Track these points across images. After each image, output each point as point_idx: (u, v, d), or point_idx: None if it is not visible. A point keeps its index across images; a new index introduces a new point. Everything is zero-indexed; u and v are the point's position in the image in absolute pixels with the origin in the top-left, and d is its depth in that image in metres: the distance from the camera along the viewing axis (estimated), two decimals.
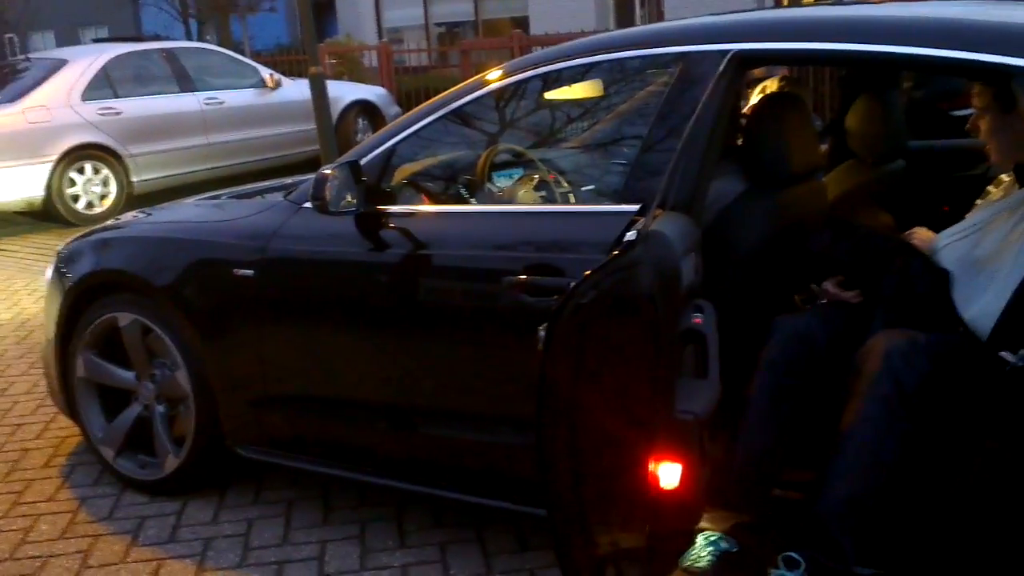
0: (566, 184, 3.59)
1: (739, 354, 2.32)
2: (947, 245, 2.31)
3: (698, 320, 2.04)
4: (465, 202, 3.18)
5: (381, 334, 2.82)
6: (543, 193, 3.34)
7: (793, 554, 2.09)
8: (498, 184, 3.37)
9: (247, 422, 3.09)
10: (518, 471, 2.51)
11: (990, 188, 2.49)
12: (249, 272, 2.93)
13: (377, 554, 2.90)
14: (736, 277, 2.46)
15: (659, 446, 1.85)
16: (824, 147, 3.46)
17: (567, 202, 3.43)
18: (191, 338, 3.06)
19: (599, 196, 3.50)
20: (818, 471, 2.15)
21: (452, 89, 3.01)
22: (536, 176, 3.35)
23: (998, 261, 2.19)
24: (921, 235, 2.41)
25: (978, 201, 2.50)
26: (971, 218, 2.38)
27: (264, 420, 3.08)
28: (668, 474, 1.87)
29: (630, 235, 1.89)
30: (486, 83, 2.90)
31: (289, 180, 3.74)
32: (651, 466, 1.87)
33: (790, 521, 2.17)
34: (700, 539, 2.15)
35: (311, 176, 2.85)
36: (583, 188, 3.62)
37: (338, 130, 9.36)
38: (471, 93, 2.91)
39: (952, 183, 3.23)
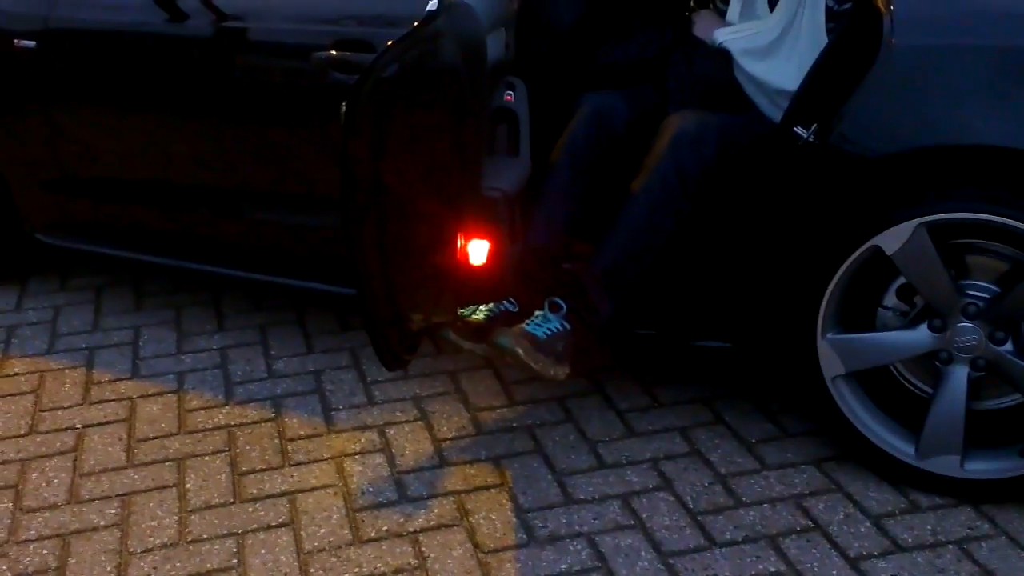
0: None
1: (553, 131, 2.33)
2: (725, 41, 2.34)
3: (509, 98, 2.02)
4: None
5: (182, 113, 2.67)
6: None
7: (558, 299, 2.17)
8: None
9: (45, 206, 2.92)
10: (336, 252, 2.49)
11: None
12: (31, 43, 2.68)
13: (194, 338, 2.87)
14: (550, 54, 2.44)
15: (467, 223, 1.86)
16: None
17: None
18: None
19: None
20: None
21: None
22: None
23: (784, 46, 2.25)
24: (704, 20, 2.42)
25: None
26: (734, 12, 2.40)
27: (66, 205, 2.92)
28: (476, 251, 1.90)
29: (432, 5, 1.81)
30: None
31: None
32: (459, 243, 1.88)
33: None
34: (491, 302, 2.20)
35: None
36: None
37: None
38: None
39: None
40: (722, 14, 2.46)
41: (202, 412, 2.53)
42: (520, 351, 2.10)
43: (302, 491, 2.23)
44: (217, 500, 2.21)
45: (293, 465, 2.32)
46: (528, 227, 2.24)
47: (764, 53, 2.32)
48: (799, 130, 2.10)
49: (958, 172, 1.95)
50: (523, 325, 2.17)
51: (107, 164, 2.81)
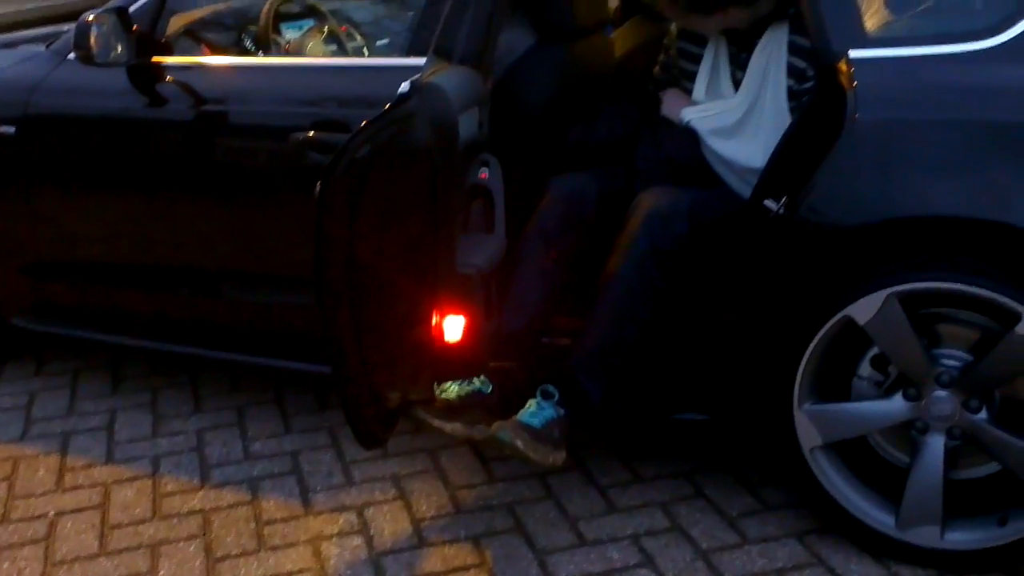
0: (360, 38, 3.48)
1: (527, 208, 2.36)
2: (692, 120, 2.39)
3: (484, 175, 2.05)
4: (250, 54, 3.03)
5: (161, 195, 2.69)
6: (333, 47, 3.22)
7: (549, 387, 2.18)
8: (286, 36, 3.22)
9: (21, 291, 2.91)
10: (314, 330, 2.49)
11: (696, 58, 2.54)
12: (10, 129, 2.70)
13: (171, 420, 2.85)
14: (523, 132, 2.48)
15: (442, 299, 1.87)
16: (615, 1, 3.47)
17: (360, 56, 3.33)
18: None
19: (393, 50, 3.41)
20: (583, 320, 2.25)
21: None
22: (325, 28, 3.22)
23: (749, 125, 2.30)
24: (671, 101, 2.47)
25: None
26: (699, 92, 2.46)
27: (42, 289, 2.91)
28: (452, 327, 1.91)
29: (404, 87, 1.85)
30: None
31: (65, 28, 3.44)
32: (434, 319, 1.89)
33: (553, 364, 2.26)
34: (467, 381, 2.21)
35: None
36: (378, 42, 3.51)
37: None
38: None
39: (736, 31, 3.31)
40: (688, 92, 2.51)
41: (177, 496, 2.49)
42: (520, 444, 2.10)
43: None
44: None
45: (269, 549, 2.28)
46: (503, 313, 2.26)
47: (730, 132, 2.37)
48: (769, 203, 2.13)
49: (924, 243, 1.98)
50: (518, 417, 2.17)
51: (85, 247, 2.82)
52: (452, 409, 2.17)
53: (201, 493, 2.50)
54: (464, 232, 2.04)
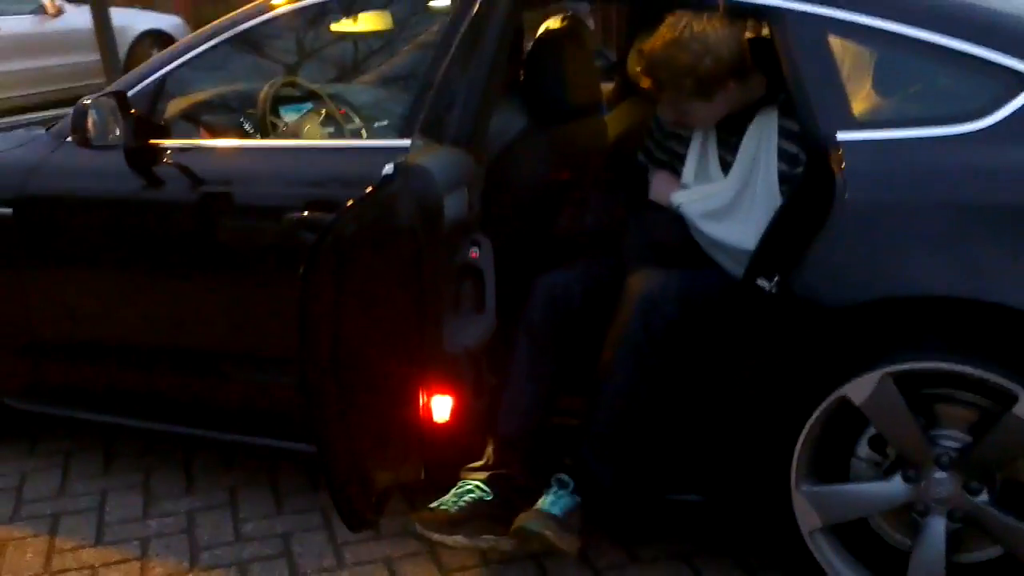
0: (358, 120, 3.52)
1: (519, 289, 2.36)
2: (683, 205, 2.41)
3: (474, 255, 2.06)
4: (248, 137, 3.06)
5: (158, 277, 2.69)
6: (331, 129, 3.26)
7: (563, 476, 2.18)
8: (285, 119, 3.26)
9: (14, 371, 2.90)
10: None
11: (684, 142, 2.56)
12: (7, 211, 2.72)
13: (162, 501, 2.81)
14: (515, 213, 2.49)
15: (430, 380, 1.86)
16: (612, 84, 3.52)
17: (357, 138, 3.36)
18: None
19: (390, 132, 3.45)
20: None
21: (233, 13, 2.86)
22: (324, 111, 3.26)
23: (741, 208, 2.32)
24: (660, 184, 2.49)
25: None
26: (688, 175, 2.48)
27: (37, 369, 2.90)
28: (440, 407, 1.89)
29: (387, 169, 1.86)
30: (271, 7, 2.78)
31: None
32: (422, 400, 1.88)
33: (564, 448, 2.24)
34: (462, 486, 2.20)
35: None
36: (377, 124, 3.56)
37: (130, 63, 8.80)
38: (253, 18, 2.78)
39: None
40: (678, 174, 2.52)
41: None
42: (549, 534, 2.11)
43: None
44: None
45: None
46: (497, 418, 2.26)
47: (722, 215, 2.37)
48: (762, 282, 2.12)
49: (918, 323, 1.97)
50: (540, 507, 2.17)
51: (81, 327, 2.82)
52: (452, 521, 2.16)
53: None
54: (454, 312, 2.04)
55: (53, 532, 2.68)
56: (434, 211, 1.84)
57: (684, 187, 2.44)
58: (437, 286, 1.84)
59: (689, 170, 2.47)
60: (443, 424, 1.92)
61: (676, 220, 2.43)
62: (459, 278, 2.04)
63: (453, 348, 1.87)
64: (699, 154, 2.46)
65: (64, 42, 8.87)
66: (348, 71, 4.65)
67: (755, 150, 2.34)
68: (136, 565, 2.51)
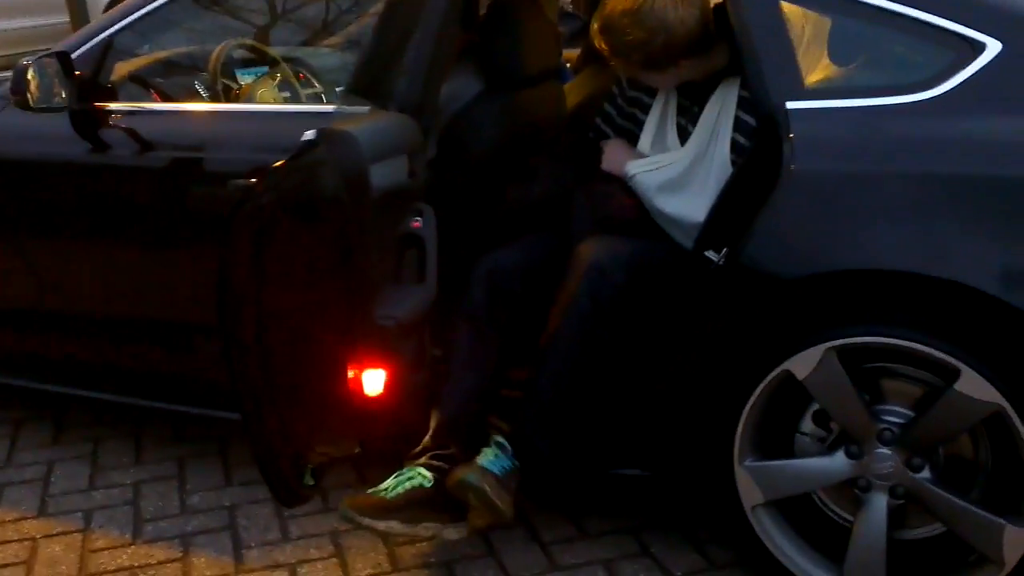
0: (318, 84, 3.45)
1: (467, 258, 2.31)
2: (637, 175, 2.35)
3: (416, 224, 2.01)
4: (200, 100, 3.00)
5: (105, 243, 2.64)
6: (287, 93, 3.19)
7: (502, 439, 2.15)
8: (240, 81, 3.19)
9: None
10: None
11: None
12: None
13: (109, 472, 2.77)
14: (468, 182, 2.44)
15: (359, 353, 1.82)
16: (579, 50, 3.46)
17: (317, 102, 3.30)
18: None
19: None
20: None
21: None
22: (279, 75, 3.20)
23: (696, 179, 2.27)
24: (614, 153, 2.43)
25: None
26: (645, 143, 2.43)
27: None
28: (372, 380, 1.85)
29: (309, 135, 1.80)
30: None
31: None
32: (351, 373, 1.83)
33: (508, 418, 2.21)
34: (402, 472, 2.14)
35: None
36: (339, 89, 3.49)
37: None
38: None
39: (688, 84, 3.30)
40: (633, 144, 2.46)
41: (106, 553, 2.41)
42: (488, 488, 2.05)
43: None
44: None
45: None
46: (439, 401, 2.22)
47: (676, 187, 2.30)
48: (710, 254, 2.09)
49: (861, 296, 1.94)
50: (479, 461, 2.12)
51: (25, 294, 2.76)
52: (388, 507, 2.09)
53: (131, 549, 2.42)
54: (393, 282, 1.99)
55: None
56: (358, 179, 1.78)
57: (640, 156, 2.39)
58: (366, 257, 1.78)
59: (646, 138, 2.42)
60: (377, 397, 1.88)
61: (628, 192, 2.38)
62: (400, 248, 1.99)
63: (385, 320, 1.82)
64: (658, 122, 2.41)
65: (33, 3, 8.70)
66: (315, 34, 4.56)
67: (714, 121, 2.29)
68: (78, 537, 2.48)
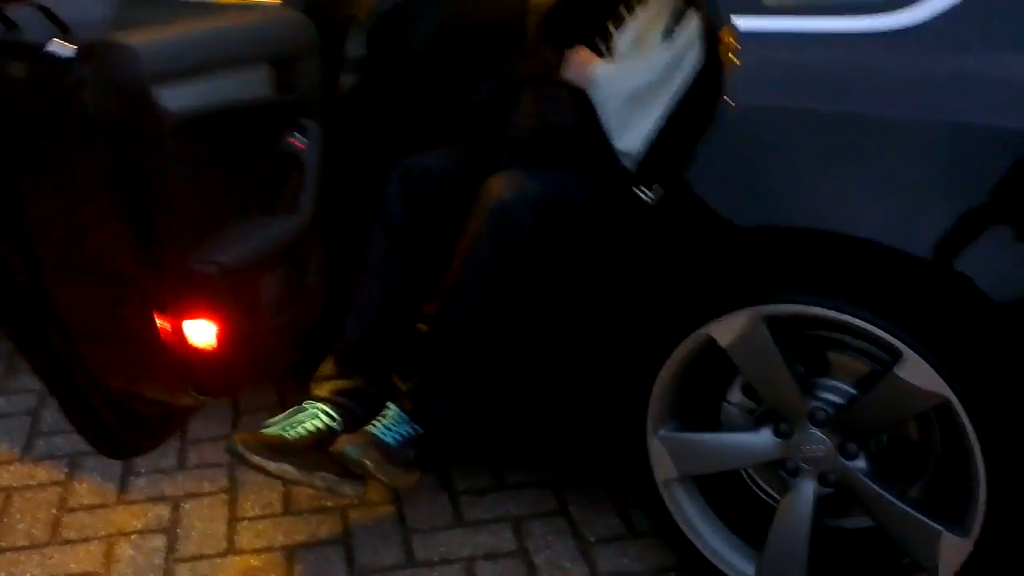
0: None
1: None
2: (602, 80, 2.01)
3: (293, 141, 1.74)
4: None
5: None
6: None
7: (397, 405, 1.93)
8: None
9: None
10: None
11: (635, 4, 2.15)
12: None
13: (21, 376, 2.62)
14: (400, 80, 2.15)
15: (175, 300, 1.57)
16: None
17: None
18: None
19: None
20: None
21: None
22: None
23: (652, 94, 1.92)
24: (579, 60, 2.08)
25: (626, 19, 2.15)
26: (625, 42, 2.08)
27: None
28: (197, 331, 1.60)
29: (57, 49, 1.48)
30: None
31: None
32: (163, 322, 1.58)
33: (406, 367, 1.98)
34: (306, 407, 1.92)
35: None
36: None
37: None
38: None
39: None
40: (599, 50, 2.13)
41: None
42: (369, 463, 1.84)
43: None
44: None
45: (60, 544, 2.05)
46: (344, 321, 1.98)
47: (643, 99, 1.97)
48: (642, 190, 1.78)
49: (796, 258, 1.64)
50: (370, 429, 1.90)
51: None
52: (285, 448, 1.85)
53: (15, 467, 2.28)
54: (262, 213, 1.72)
55: None
56: (139, 103, 1.46)
57: (612, 59, 2.04)
58: (167, 192, 1.49)
59: (628, 36, 2.08)
60: (211, 350, 1.64)
61: (578, 103, 2.05)
62: (271, 172, 1.71)
63: (205, 266, 1.55)
64: (653, 17, 2.06)
65: None
66: None
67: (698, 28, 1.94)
68: None
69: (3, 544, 2.04)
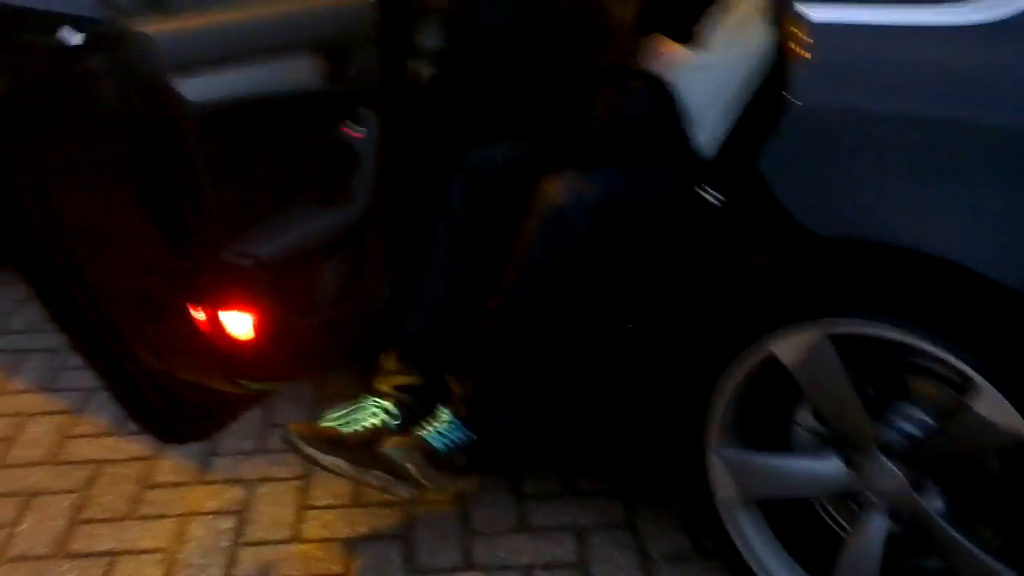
0: None
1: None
2: (695, 68, 1.89)
3: (347, 130, 1.71)
4: None
5: None
6: None
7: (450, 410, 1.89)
8: None
9: None
10: None
11: None
12: None
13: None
14: (482, 66, 2.11)
15: (211, 291, 1.57)
16: None
17: None
18: None
19: None
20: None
21: None
22: None
23: (742, 88, 1.79)
24: (669, 54, 1.96)
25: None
26: (720, 33, 1.95)
27: None
28: (236, 324, 1.61)
29: (69, 37, 1.48)
30: None
31: None
32: (199, 313, 1.58)
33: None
34: (364, 402, 1.91)
35: None
36: None
37: None
38: None
39: None
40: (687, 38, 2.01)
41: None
42: (412, 467, 1.81)
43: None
44: None
45: (137, 519, 2.12)
46: (404, 316, 1.96)
47: (729, 96, 1.85)
48: (709, 192, 1.67)
49: (863, 273, 1.50)
50: (420, 432, 1.88)
51: None
52: (340, 442, 1.85)
53: (108, 441, 2.37)
54: (327, 204, 1.71)
55: None
56: (159, 93, 1.45)
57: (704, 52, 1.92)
58: (197, 185, 1.49)
59: (725, 27, 1.96)
60: (250, 341, 1.64)
61: (654, 95, 1.94)
62: (323, 163, 1.69)
63: (240, 259, 1.54)
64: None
65: None
66: None
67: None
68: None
69: (87, 515, 2.14)
